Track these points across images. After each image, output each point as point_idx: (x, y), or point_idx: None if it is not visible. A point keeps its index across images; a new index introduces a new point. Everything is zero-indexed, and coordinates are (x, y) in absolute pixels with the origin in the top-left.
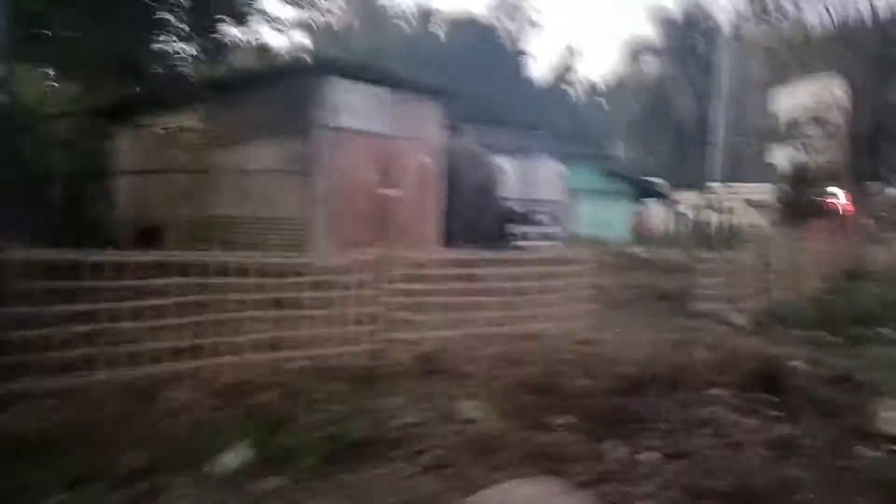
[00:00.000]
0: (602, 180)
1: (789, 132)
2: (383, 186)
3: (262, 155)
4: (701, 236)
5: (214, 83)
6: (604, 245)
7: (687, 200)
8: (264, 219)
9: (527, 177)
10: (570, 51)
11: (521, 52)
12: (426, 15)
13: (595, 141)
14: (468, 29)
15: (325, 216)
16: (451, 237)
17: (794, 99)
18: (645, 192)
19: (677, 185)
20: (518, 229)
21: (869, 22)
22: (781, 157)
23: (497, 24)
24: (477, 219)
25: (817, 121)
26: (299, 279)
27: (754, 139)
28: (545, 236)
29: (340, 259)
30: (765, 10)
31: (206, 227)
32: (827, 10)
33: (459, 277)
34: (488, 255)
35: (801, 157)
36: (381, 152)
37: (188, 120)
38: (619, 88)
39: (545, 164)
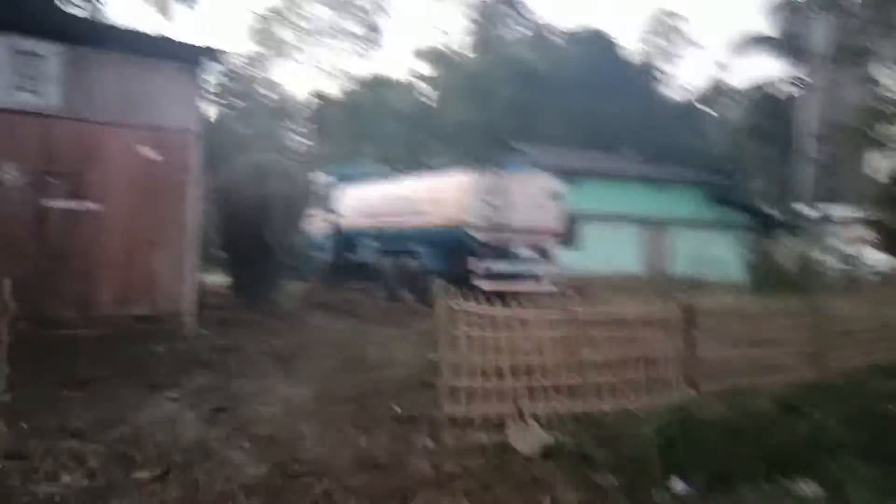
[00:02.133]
0: (712, 209)
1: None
2: (52, 197)
3: None
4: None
5: None
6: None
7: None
8: None
9: (500, 198)
10: (721, 66)
11: (655, 69)
12: (544, 33)
13: (719, 162)
14: (588, 45)
15: None
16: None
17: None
18: (769, 222)
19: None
20: (484, 266)
21: None
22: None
23: (645, 43)
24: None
25: None
26: None
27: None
28: (528, 275)
29: None
30: None
31: None
32: None
33: None
34: None
35: None
36: (46, 140)
37: None
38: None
39: (531, 181)
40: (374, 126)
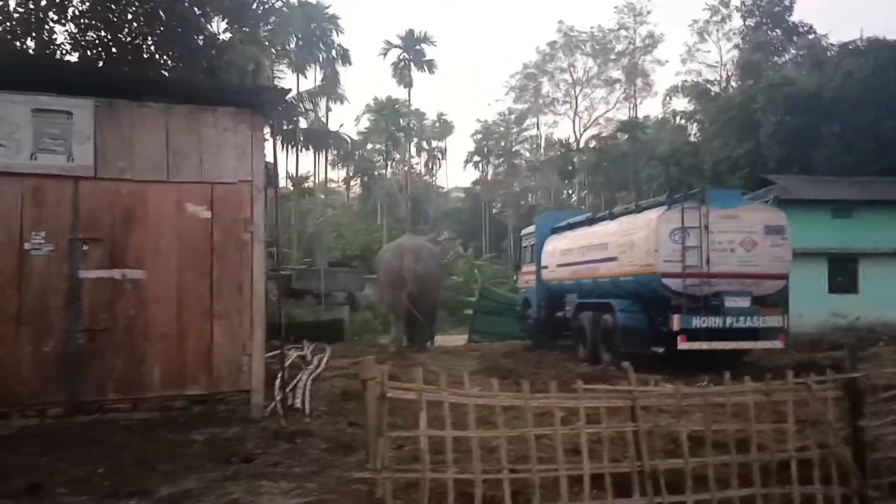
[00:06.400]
0: None
1: None
2: (87, 266)
3: None
4: None
5: None
6: None
7: None
8: None
9: (703, 237)
10: None
11: None
12: (817, 49)
13: None
14: (872, 56)
15: None
16: None
17: None
18: None
19: None
20: (686, 321)
21: None
22: None
23: None
24: None
25: None
26: None
27: None
28: (744, 329)
29: None
30: None
31: None
32: None
33: None
34: None
35: None
36: (75, 203)
37: None
38: None
39: (747, 215)
40: (633, 170)
